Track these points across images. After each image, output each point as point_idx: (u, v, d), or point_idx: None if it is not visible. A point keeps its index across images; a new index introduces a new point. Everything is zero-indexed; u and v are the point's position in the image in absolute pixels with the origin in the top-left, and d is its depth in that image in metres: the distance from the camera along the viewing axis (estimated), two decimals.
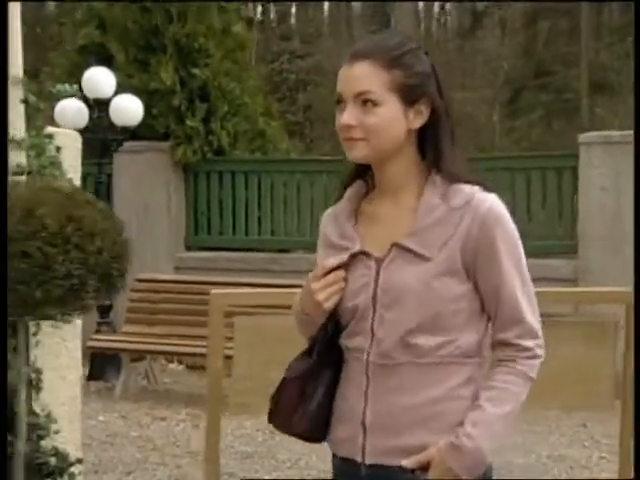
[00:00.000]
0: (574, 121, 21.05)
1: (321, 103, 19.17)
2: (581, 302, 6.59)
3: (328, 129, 14.93)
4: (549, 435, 6.92)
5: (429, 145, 2.18)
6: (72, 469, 5.14)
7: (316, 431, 2.27)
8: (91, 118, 9.11)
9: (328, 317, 2.23)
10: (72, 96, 5.74)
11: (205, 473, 3.96)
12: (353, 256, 2.20)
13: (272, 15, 25.43)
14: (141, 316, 8.87)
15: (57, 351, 5.09)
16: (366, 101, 2.13)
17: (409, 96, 2.14)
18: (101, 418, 7.66)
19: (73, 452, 5.25)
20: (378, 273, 2.17)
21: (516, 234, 2.16)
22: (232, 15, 10.55)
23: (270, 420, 2.30)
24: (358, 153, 2.17)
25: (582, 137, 9.07)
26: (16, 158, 4.96)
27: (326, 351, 2.24)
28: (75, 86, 5.55)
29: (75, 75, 9.41)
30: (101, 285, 3.42)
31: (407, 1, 20.39)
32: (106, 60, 10.05)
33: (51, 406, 5.12)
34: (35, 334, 5.12)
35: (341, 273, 2.20)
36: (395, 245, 2.17)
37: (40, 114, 5.23)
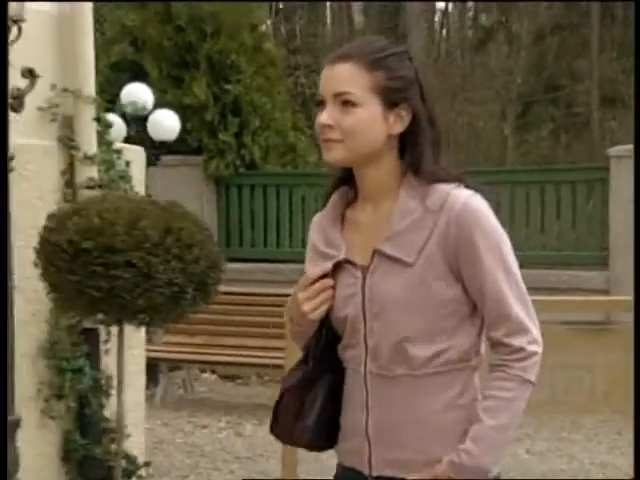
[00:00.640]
0: (583, 135, 21.27)
1: None
2: (612, 309, 6.77)
3: None
4: (587, 442, 7.10)
5: (408, 150, 2.13)
6: (140, 471, 5.35)
7: (319, 441, 2.23)
8: (128, 133, 9.32)
9: (321, 324, 2.19)
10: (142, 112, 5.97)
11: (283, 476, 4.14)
12: (338, 264, 2.16)
13: (282, 30, 25.63)
14: (181, 326, 9.04)
15: (125, 359, 5.27)
16: (346, 102, 2.09)
17: (390, 99, 2.10)
18: (145, 425, 7.83)
19: (139, 456, 5.45)
20: (364, 282, 2.13)
21: (498, 228, 2.11)
22: (262, 33, 10.79)
23: (272, 431, 2.27)
24: (334, 155, 2.12)
25: (612, 150, 9.31)
26: (88, 172, 5.19)
27: (322, 358, 2.19)
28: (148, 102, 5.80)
29: (107, 91, 9.61)
30: (198, 293, 3.63)
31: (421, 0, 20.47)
32: (139, 76, 10.26)
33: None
34: (106, 342, 5.32)
35: (327, 282, 2.16)
36: (376, 252, 2.13)
37: (109, 130, 5.45)
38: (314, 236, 2.25)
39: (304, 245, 2.39)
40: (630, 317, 5.02)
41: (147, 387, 9.39)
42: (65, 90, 5.12)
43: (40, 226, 4.86)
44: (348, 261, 2.16)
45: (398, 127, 2.12)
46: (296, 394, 2.20)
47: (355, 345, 2.15)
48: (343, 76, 2.10)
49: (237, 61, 10.42)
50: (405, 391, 2.11)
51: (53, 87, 5.02)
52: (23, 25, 4.35)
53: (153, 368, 9.28)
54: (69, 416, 5.12)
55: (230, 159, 10.33)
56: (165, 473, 6.47)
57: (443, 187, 2.10)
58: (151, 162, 9.65)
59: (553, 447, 6.86)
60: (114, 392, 5.29)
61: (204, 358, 8.83)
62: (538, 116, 22.30)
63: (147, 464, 5.37)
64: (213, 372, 9.92)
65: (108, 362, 5.32)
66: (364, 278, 2.13)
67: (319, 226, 2.25)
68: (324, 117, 2.11)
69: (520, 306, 2.10)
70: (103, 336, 5.27)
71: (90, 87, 5.25)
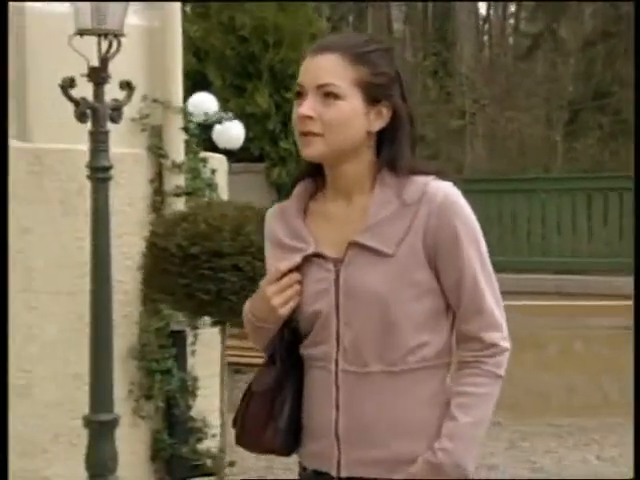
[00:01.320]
0: (632, 142, 21.24)
1: None
2: None
3: None
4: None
5: (386, 147, 2.08)
6: (226, 470, 5.50)
7: (290, 444, 2.14)
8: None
9: (283, 323, 2.11)
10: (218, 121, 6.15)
11: None
12: (306, 258, 2.08)
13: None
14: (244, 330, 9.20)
15: (209, 360, 5.44)
16: (328, 94, 2.03)
17: (372, 94, 2.05)
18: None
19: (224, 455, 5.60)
20: (338, 276, 2.06)
21: (475, 221, 2.08)
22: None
23: (238, 440, 2.16)
24: (313, 150, 2.05)
25: None
26: (176, 180, 5.38)
27: (287, 358, 2.11)
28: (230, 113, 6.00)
29: None
30: None
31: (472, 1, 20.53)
32: (202, 86, 10.44)
33: (205, 412, 5.48)
34: (193, 343, 5.50)
35: (295, 276, 2.08)
36: (352, 244, 2.06)
37: (195, 139, 5.64)
38: (273, 226, 2.17)
39: None
40: None
41: None
42: (155, 101, 5.31)
43: (127, 232, 5.06)
44: (318, 254, 2.08)
45: (378, 124, 2.07)
46: (268, 398, 2.11)
47: (324, 341, 2.07)
48: (327, 67, 2.04)
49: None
50: (380, 388, 2.05)
51: (144, 98, 5.21)
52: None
53: None
54: (157, 416, 5.30)
55: (291, 167, 10.49)
56: (240, 474, 6.61)
57: (420, 179, 2.06)
58: None
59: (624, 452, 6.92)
60: (200, 392, 5.47)
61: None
62: (586, 123, 22.29)
63: (232, 464, 5.52)
64: None
65: (194, 363, 5.49)
66: (337, 271, 2.06)
67: (280, 216, 2.16)
68: (304, 108, 2.03)
69: (494, 301, 2.07)
70: (189, 338, 5.44)
71: (178, 97, 5.44)
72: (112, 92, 4.46)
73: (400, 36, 22.21)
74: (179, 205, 5.26)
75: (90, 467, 4.36)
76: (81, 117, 4.35)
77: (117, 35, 4.38)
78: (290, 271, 2.08)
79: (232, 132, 9.55)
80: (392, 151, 2.07)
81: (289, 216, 2.13)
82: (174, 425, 5.35)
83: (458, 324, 2.08)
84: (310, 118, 2.03)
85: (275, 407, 2.10)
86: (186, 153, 5.43)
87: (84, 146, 4.43)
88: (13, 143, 4.56)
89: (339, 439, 2.07)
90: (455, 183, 2.09)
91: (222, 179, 5.69)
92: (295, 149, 10.70)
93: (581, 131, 22.30)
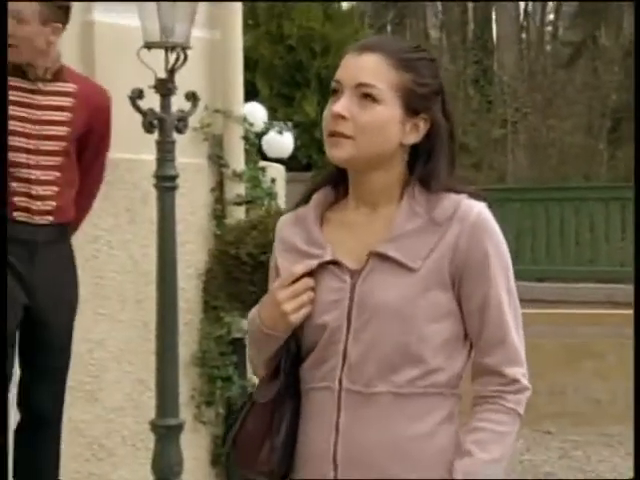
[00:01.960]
0: None
1: None
2: None
3: None
4: None
5: (420, 163, 1.96)
6: None
7: (282, 466, 1.98)
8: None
9: (289, 335, 1.98)
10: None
11: None
12: (321, 265, 1.95)
13: None
14: None
15: None
16: (366, 95, 1.92)
17: (412, 104, 1.94)
18: None
19: None
20: (354, 287, 1.93)
21: (506, 247, 1.97)
22: None
23: (227, 459, 2.18)
24: (342, 153, 1.92)
25: None
26: (237, 189, 5.45)
27: (290, 373, 1.99)
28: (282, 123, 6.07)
29: None
30: None
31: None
32: (249, 95, 10.54)
33: None
34: None
35: (310, 282, 1.94)
36: (373, 255, 1.94)
37: (255, 149, 5.72)
38: (286, 232, 2.03)
39: None
40: None
41: None
42: (217, 111, 5.39)
43: (189, 241, 5.13)
44: (334, 262, 1.95)
45: (413, 137, 1.96)
46: (268, 411, 1.97)
47: (330, 358, 1.94)
48: (369, 67, 1.92)
49: None
50: (385, 411, 1.92)
51: (206, 108, 5.29)
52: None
53: None
54: (218, 422, 5.37)
55: None
56: None
57: (453, 196, 1.95)
58: None
59: None
60: None
61: None
62: (628, 132, 22.19)
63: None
64: None
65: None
66: (353, 283, 1.93)
67: (295, 222, 2.03)
68: (339, 107, 1.91)
69: (517, 334, 1.95)
70: None
71: (239, 107, 5.53)
72: (176, 103, 4.54)
73: (437, 44, 22.23)
74: (240, 214, 5.33)
75: (157, 471, 4.43)
76: (149, 127, 4.43)
77: (184, 48, 4.46)
78: (303, 276, 1.95)
79: (282, 141, 9.62)
80: (427, 169, 1.96)
81: (307, 223, 2.00)
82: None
83: (477, 356, 1.96)
84: (343, 118, 1.91)
85: (274, 421, 1.97)
86: (246, 162, 5.50)
87: (149, 155, 4.51)
88: None
89: (336, 464, 1.94)
90: (490, 205, 1.98)
91: (280, 188, 5.75)
92: None
93: (623, 139, 22.21)
